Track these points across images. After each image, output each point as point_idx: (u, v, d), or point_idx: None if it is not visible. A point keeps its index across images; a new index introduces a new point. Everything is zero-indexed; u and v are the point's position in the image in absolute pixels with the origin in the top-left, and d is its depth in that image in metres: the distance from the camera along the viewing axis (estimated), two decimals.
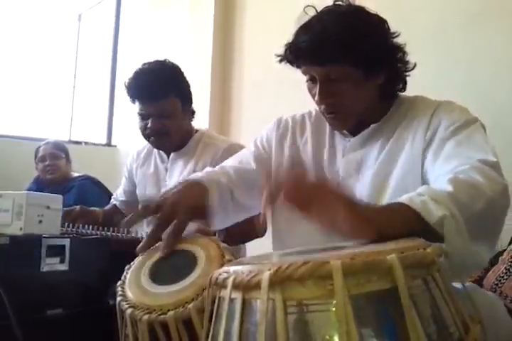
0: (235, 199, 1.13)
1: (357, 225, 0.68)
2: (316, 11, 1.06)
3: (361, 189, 1.06)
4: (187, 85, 1.80)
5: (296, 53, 1.03)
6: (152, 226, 0.94)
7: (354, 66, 0.99)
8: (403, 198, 0.76)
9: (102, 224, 1.65)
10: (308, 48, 1.00)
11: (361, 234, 0.68)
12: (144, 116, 1.73)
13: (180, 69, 1.79)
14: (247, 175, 1.16)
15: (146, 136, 1.77)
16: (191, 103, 1.82)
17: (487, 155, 0.89)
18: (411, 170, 1.01)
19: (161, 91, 1.68)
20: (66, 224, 1.52)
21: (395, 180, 1.03)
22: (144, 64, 1.76)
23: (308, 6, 1.07)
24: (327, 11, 1.05)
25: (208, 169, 1.21)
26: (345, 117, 1.08)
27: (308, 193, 0.69)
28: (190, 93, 1.81)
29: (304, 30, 1.02)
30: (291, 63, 1.06)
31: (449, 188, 0.77)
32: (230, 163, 1.23)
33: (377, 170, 1.06)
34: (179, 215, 0.91)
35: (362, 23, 1.01)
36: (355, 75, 1.01)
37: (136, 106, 1.75)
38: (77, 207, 1.78)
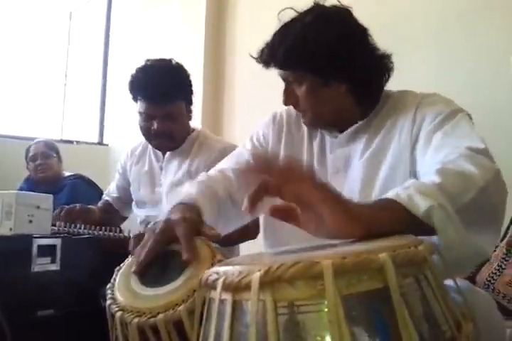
0: (236, 204, 1.11)
1: (344, 223, 0.66)
2: (296, 12, 1.09)
3: (350, 185, 1.07)
4: (191, 87, 1.80)
5: (259, 56, 1.10)
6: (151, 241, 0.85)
7: (310, 73, 1.04)
8: (389, 193, 0.74)
9: (99, 222, 1.64)
10: (266, 54, 1.07)
11: (349, 232, 0.67)
12: (148, 117, 1.71)
13: (186, 70, 1.78)
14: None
15: (149, 137, 1.76)
16: (192, 104, 1.82)
17: (475, 142, 0.88)
18: (399, 166, 1.01)
19: (171, 94, 1.68)
20: (58, 223, 1.51)
21: (383, 176, 1.03)
22: (149, 61, 1.73)
23: (287, 8, 1.10)
24: (298, 18, 1.07)
25: (204, 175, 1.16)
26: (313, 118, 1.11)
27: (294, 191, 0.67)
28: (192, 94, 1.80)
29: (272, 36, 1.08)
30: (260, 64, 1.11)
31: (437, 179, 0.76)
32: (227, 164, 1.20)
33: (365, 166, 1.06)
34: (178, 227, 0.84)
35: (323, 33, 1.03)
36: (312, 82, 1.05)
37: (138, 106, 1.73)
38: (78, 206, 1.75)
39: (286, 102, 1.11)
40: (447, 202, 0.72)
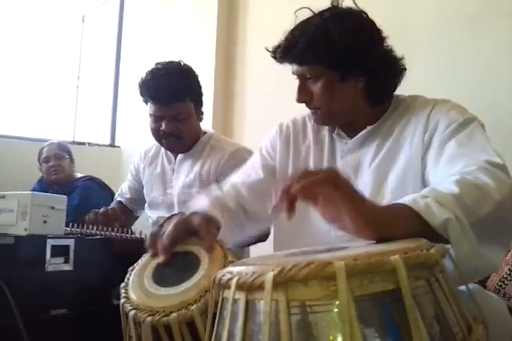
0: (249, 214, 1.14)
1: (361, 226, 0.68)
2: (313, 12, 1.09)
3: (361, 190, 1.06)
4: (200, 87, 1.81)
5: (277, 51, 1.07)
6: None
7: (328, 68, 1.03)
8: (407, 199, 0.75)
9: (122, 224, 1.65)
10: (285, 48, 1.05)
11: (364, 234, 0.69)
12: (157, 118, 1.73)
13: (195, 72, 1.80)
14: (259, 188, 1.17)
15: (159, 138, 1.78)
16: (202, 105, 1.83)
17: (493, 157, 0.88)
18: (410, 172, 1.01)
19: (179, 94, 1.69)
20: (71, 224, 1.52)
21: (393, 182, 1.03)
22: (158, 64, 1.76)
23: (303, 8, 1.10)
24: (316, 15, 1.07)
25: (216, 189, 1.20)
26: (326, 115, 1.10)
27: (317, 187, 0.69)
28: (202, 95, 1.82)
29: (290, 31, 1.06)
30: (277, 60, 1.09)
31: (455, 190, 0.76)
32: (239, 178, 1.22)
33: (375, 172, 1.05)
34: (193, 218, 0.90)
35: (342, 27, 1.02)
36: (330, 76, 1.04)
37: (149, 108, 1.75)
38: (109, 209, 1.75)
39: (299, 99, 1.09)
40: (463, 215, 0.72)
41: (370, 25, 1.08)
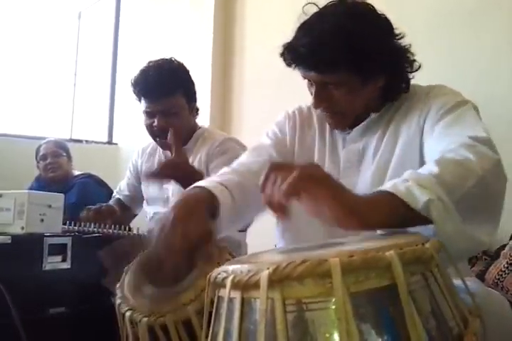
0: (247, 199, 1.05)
1: (342, 218, 0.67)
2: (318, 8, 1.04)
3: (364, 179, 1.06)
4: (192, 83, 1.81)
5: (294, 57, 1.01)
6: None
7: (352, 73, 0.98)
8: (387, 185, 0.74)
9: (119, 221, 1.65)
10: (307, 55, 0.98)
11: (347, 225, 0.68)
12: (150, 114, 1.73)
13: (185, 67, 1.80)
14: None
15: (153, 136, 1.78)
16: (196, 101, 1.83)
17: (477, 132, 0.87)
18: (408, 157, 1.01)
19: (168, 88, 1.69)
20: (68, 222, 1.52)
21: (393, 168, 1.02)
22: (150, 62, 1.76)
23: (310, 3, 1.05)
24: (328, 11, 1.02)
25: (226, 169, 1.11)
26: (343, 118, 1.08)
27: (298, 184, 0.68)
28: (195, 91, 1.82)
29: (304, 31, 1.00)
30: (290, 65, 1.04)
31: (435, 170, 0.75)
32: (249, 158, 1.15)
33: (378, 160, 1.05)
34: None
35: (361, 26, 0.98)
36: (353, 82, 1.00)
37: (142, 105, 1.75)
38: (103, 206, 1.75)
39: (317, 106, 1.05)
40: (445, 194, 0.71)
41: (383, 17, 1.05)
